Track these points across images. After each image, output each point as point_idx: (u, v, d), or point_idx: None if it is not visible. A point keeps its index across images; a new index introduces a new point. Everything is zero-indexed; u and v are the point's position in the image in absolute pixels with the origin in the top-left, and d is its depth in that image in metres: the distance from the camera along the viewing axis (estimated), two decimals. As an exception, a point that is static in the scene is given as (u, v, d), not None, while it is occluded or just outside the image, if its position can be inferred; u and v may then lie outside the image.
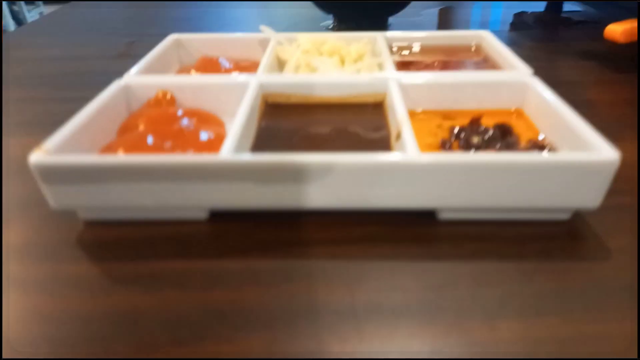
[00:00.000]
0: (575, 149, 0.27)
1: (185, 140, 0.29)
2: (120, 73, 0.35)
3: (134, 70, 0.35)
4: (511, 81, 0.33)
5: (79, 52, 0.55)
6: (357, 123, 0.32)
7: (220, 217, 0.26)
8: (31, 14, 2.64)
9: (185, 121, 0.31)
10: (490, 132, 0.30)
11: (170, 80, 0.34)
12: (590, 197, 0.24)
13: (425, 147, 0.30)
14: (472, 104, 0.34)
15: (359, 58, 0.37)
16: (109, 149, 0.29)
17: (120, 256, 0.24)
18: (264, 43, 0.43)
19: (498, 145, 0.29)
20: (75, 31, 0.64)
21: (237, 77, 0.34)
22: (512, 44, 0.55)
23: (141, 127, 0.30)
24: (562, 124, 0.28)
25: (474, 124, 0.31)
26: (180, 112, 0.32)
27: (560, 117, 0.28)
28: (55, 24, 0.68)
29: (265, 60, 0.37)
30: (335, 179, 0.24)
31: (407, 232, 0.26)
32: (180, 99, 0.34)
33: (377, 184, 0.24)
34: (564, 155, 0.24)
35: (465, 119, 0.33)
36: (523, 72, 0.34)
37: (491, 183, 0.24)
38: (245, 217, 0.26)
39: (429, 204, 0.25)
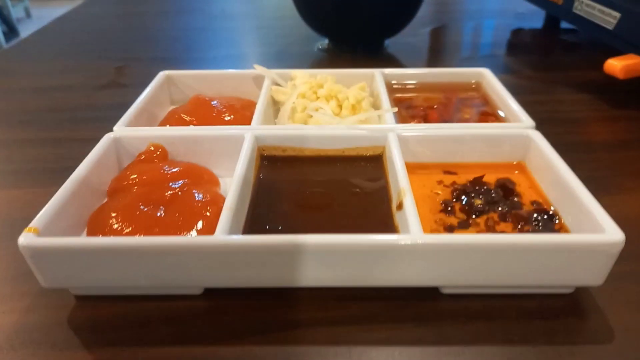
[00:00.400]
0: (576, 216, 0.26)
1: (179, 207, 0.28)
2: (109, 107, 0.33)
3: (124, 118, 0.34)
4: (513, 135, 0.33)
5: (67, 80, 0.53)
6: (356, 179, 0.31)
7: (215, 292, 0.26)
8: (16, 9, 2.60)
9: (178, 183, 0.30)
10: (493, 193, 0.30)
11: (161, 133, 0.33)
12: (594, 276, 0.24)
13: (426, 208, 0.29)
14: (473, 157, 0.33)
15: (357, 104, 0.37)
16: (100, 215, 0.28)
17: (115, 341, 0.24)
18: (257, 80, 0.42)
19: (500, 209, 0.29)
20: (64, 52, 0.62)
21: (231, 130, 0.33)
22: (509, 71, 0.54)
23: (133, 191, 0.29)
24: (564, 187, 0.28)
25: (476, 183, 0.31)
26: (172, 171, 0.31)
27: (562, 179, 0.28)
28: (43, 44, 0.66)
29: (260, 107, 0.36)
30: (335, 260, 0.24)
31: (410, 309, 0.25)
32: (173, 152, 0.33)
33: (379, 265, 0.24)
34: (568, 237, 0.24)
35: (467, 173, 0.32)
36: (525, 124, 0.33)
37: (494, 263, 0.24)
38: (240, 293, 0.26)
39: (432, 283, 0.25)
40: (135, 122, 0.35)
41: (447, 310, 0.25)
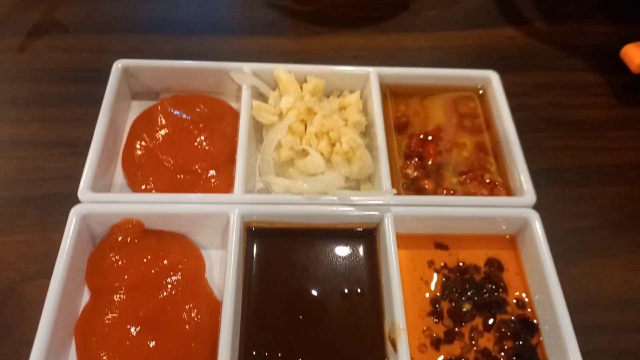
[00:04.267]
0: (554, 342, 0.28)
1: (168, 330, 0.27)
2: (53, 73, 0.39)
3: (88, 174, 0.30)
4: (510, 216, 0.31)
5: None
6: (348, 270, 0.30)
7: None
8: None
9: (164, 287, 0.29)
10: (484, 292, 0.30)
11: (136, 210, 0.30)
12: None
13: (415, 308, 0.30)
14: (467, 230, 0.32)
15: (351, 151, 0.33)
16: (88, 333, 0.27)
17: None
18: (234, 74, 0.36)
19: (486, 311, 0.30)
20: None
21: (214, 205, 0.30)
22: (519, 19, 0.47)
23: (118, 297, 0.28)
24: (548, 302, 0.29)
25: (465, 276, 0.31)
26: (154, 269, 0.29)
27: (547, 290, 0.29)
28: None
29: (241, 156, 0.32)
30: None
31: None
32: (149, 223, 0.30)
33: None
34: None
35: (458, 248, 0.32)
36: (525, 199, 0.32)
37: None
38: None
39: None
40: (99, 171, 0.31)
41: None
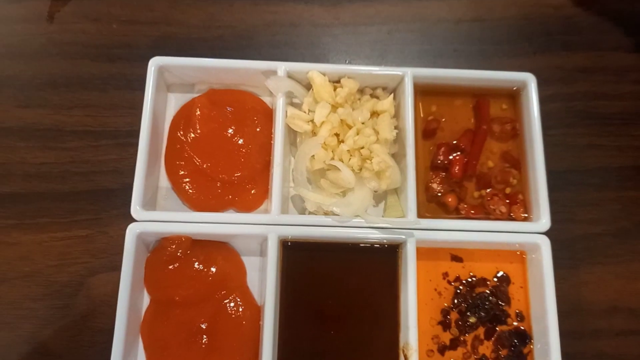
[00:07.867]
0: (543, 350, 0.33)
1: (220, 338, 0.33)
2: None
3: (137, 192, 0.33)
4: (523, 242, 0.34)
5: None
6: (370, 285, 0.35)
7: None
8: None
9: (214, 297, 0.34)
10: (487, 304, 0.34)
11: (185, 230, 0.33)
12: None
13: (427, 316, 0.34)
14: (482, 246, 0.35)
15: (381, 172, 0.34)
16: (154, 334, 0.33)
17: None
18: (267, 73, 0.36)
19: (489, 323, 0.34)
20: None
21: (254, 227, 0.33)
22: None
23: (176, 309, 0.33)
24: (544, 318, 0.33)
25: (475, 293, 0.35)
26: (205, 282, 0.34)
27: (545, 310, 0.33)
28: None
29: (276, 178, 0.34)
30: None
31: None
32: (196, 235, 0.34)
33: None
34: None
35: (472, 260, 0.36)
36: (540, 225, 0.34)
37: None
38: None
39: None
40: (146, 183, 0.34)
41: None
